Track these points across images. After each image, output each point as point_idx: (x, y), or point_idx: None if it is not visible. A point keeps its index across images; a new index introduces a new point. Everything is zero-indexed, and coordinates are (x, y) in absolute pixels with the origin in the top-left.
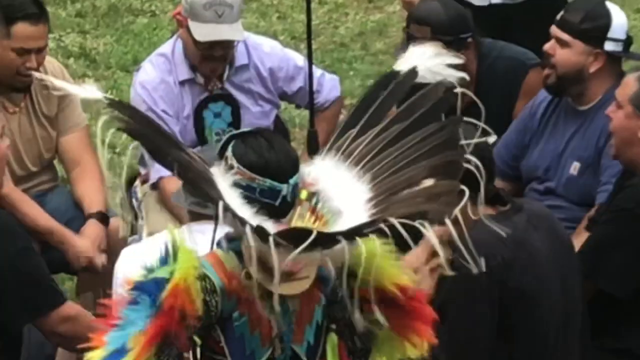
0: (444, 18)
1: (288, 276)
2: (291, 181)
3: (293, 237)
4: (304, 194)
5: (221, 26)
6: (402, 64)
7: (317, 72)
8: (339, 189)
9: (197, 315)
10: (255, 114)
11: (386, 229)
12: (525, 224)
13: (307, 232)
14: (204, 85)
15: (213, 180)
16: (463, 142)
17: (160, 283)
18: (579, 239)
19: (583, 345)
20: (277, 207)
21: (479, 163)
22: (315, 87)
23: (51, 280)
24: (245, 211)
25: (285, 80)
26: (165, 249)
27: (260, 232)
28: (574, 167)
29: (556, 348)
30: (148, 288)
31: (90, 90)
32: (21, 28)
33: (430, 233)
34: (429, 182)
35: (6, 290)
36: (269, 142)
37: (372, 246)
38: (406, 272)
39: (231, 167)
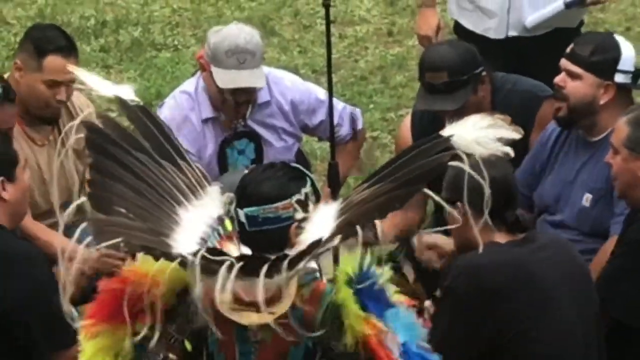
0: (457, 60)
1: (246, 305)
2: (250, 210)
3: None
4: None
5: (242, 72)
6: (449, 130)
7: (338, 105)
8: (315, 225)
9: (161, 293)
10: (279, 149)
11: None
12: (531, 253)
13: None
14: (227, 123)
15: (173, 203)
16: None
17: None
18: (596, 271)
19: None
20: (247, 234)
21: (487, 191)
22: (336, 120)
23: (65, 320)
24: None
25: (307, 113)
26: None
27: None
28: (586, 199)
29: None
30: None
31: (123, 90)
32: (52, 61)
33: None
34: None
35: (27, 321)
36: (266, 172)
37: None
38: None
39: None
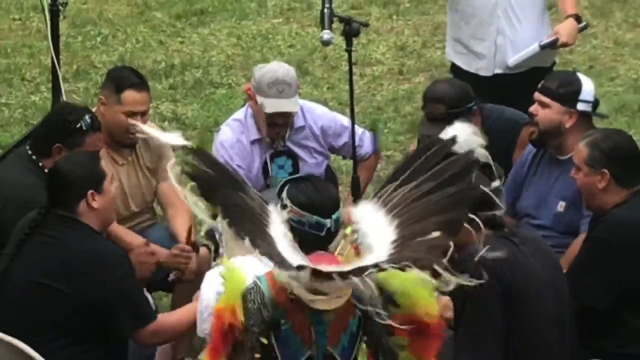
0: (453, 95)
1: (324, 296)
2: (333, 217)
3: (316, 274)
4: (349, 230)
5: (281, 100)
6: (447, 133)
7: (359, 130)
8: (374, 230)
9: (241, 325)
10: (311, 165)
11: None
12: (516, 242)
13: (323, 272)
14: (270, 144)
15: (262, 222)
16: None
17: None
18: (568, 263)
19: (573, 347)
20: (322, 238)
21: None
22: (357, 142)
23: (146, 299)
24: (289, 248)
25: (334, 136)
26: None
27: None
28: (561, 205)
29: (552, 349)
30: None
31: (174, 138)
32: (129, 95)
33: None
34: (436, 234)
35: (115, 307)
36: (315, 185)
37: (412, 277)
38: (435, 301)
39: (285, 207)
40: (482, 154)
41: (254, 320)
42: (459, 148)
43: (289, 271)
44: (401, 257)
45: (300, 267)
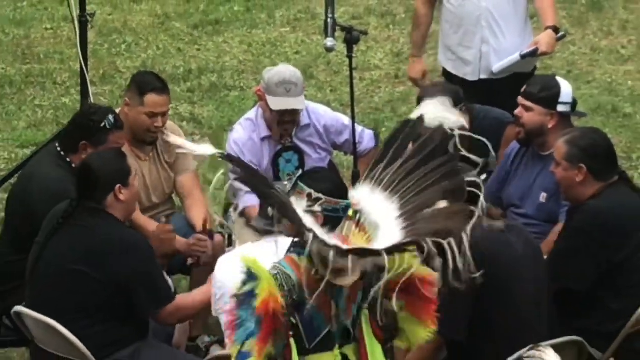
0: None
1: (345, 273)
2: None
3: (359, 252)
4: (351, 212)
5: (289, 99)
6: (417, 113)
7: (358, 128)
8: (375, 208)
9: (284, 310)
10: (315, 160)
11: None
12: (505, 232)
13: (368, 249)
14: (278, 140)
15: (296, 210)
16: (469, 175)
17: (251, 294)
18: (548, 248)
19: (551, 324)
20: (338, 220)
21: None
22: (357, 139)
23: (165, 281)
24: (318, 227)
25: (336, 134)
26: (244, 271)
27: (341, 251)
28: (543, 197)
29: (531, 324)
30: (243, 297)
31: (207, 148)
32: (151, 98)
33: (454, 250)
34: (442, 204)
35: (136, 288)
36: (329, 175)
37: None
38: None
39: (317, 199)
40: (454, 122)
41: (285, 303)
42: (432, 123)
43: (332, 251)
44: (423, 229)
45: (348, 250)
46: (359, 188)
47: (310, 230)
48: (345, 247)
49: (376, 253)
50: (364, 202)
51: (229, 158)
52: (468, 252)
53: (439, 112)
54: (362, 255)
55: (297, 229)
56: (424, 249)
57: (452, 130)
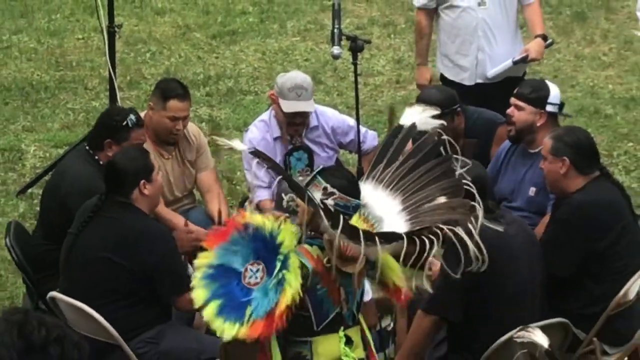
0: (440, 98)
1: (353, 261)
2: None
3: (385, 236)
4: None
5: (299, 102)
6: (404, 120)
7: (362, 129)
8: (378, 204)
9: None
10: (323, 158)
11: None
12: (503, 223)
13: (394, 233)
14: (289, 140)
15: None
16: (459, 171)
17: (274, 248)
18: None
19: (542, 306)
20: (346, 218)
21: (473, 188)
22: (361, 139)
23: (186, 272)
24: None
25: (342, 134)
26: (281, 258)
27: (368, 236)
28: (532, 191)
29: (525, 310)
30: (258, 238)
31: (238, 144)
32: (173, 103)
33: (465, 237)
34: (442, 199)
35: (159, 276)
36: (348, 175)
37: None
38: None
39: (331, 194)
40: (435, 124)
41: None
42: (420, 126)
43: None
44: (429, 221)
45: (375, 235)
46: (363, 185)
47: (337, 220)
48: (369, 232)
49: (399, 237)
50: (367, 198)
51: (256, 153)
52: (478, 239)
53: (422, 118)
54: (388, 240)
55: (325, 218)
56: (439, 235)
57: (441, 134)
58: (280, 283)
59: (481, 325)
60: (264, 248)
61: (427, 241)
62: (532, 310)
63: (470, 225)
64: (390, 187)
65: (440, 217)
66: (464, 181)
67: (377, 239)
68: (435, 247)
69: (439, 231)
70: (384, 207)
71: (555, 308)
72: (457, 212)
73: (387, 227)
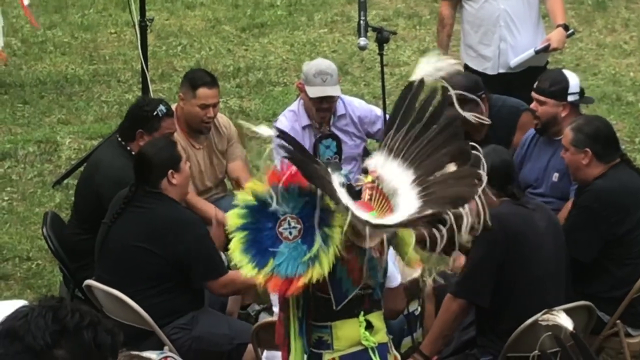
0: (466, 84)
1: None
2: (342, 172)
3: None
4: (369, 179)
5: (325, 87)
6: (415, 74)
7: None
8: (391, 175)
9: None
10: (351, 146)
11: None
12: (529, 208)
13: (395, 224)
14: (318, 129)
15: (334, 185)
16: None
17: (324, 220)
18: (561, 222)
19: (567, 290)
20: (356, 192)
21: (484, 161)
22: None
23: (219, 256)
24: (352, 202)
25: (369, 124)
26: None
27: (376, 225)
28: (555, 177)
29: (549, 294)
30: (314, 202)
31: (267, 130)
32: (202, 91)
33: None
34: (451, 167)
35: (192, 262)
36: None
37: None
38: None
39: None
40: (449, 65)
41: None
42: (431, 80)
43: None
44: (438, 199)
45: (377, 225)
46: (375, 156)
47: (346, 207)
48: (375, 221)
49: (400, 225)
50: (380, 169)
51: (282, 135)
52: (486, 210)
53: (434, 66)
54: (389, 229)
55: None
56: (445, 221)
57: (446, 89)
58: (312, 260)
59: (507, 309)
60: (312, 214)
61: (437, 233)
62: (556, 294)
63: (477, 199)
64: (402, 156)
65: (449, 192)
66: (471, 144)
67: (383, 229)
68: (444, 240)
69: (447, 217)
70: (397, 179)
71: (579, 291)
72: (465, 183)
73: (401, 202)
